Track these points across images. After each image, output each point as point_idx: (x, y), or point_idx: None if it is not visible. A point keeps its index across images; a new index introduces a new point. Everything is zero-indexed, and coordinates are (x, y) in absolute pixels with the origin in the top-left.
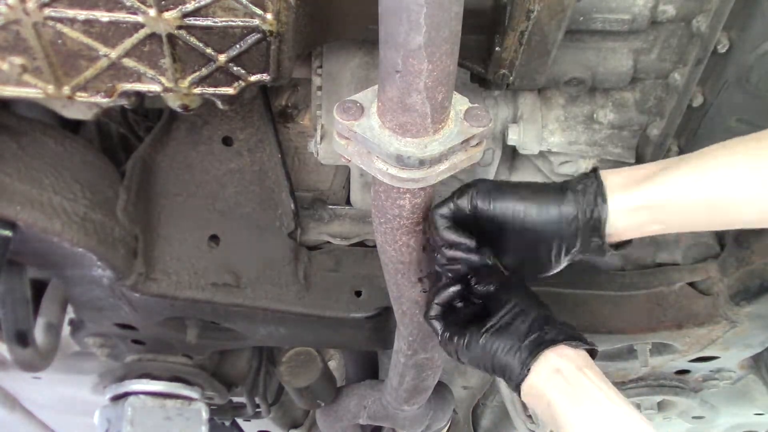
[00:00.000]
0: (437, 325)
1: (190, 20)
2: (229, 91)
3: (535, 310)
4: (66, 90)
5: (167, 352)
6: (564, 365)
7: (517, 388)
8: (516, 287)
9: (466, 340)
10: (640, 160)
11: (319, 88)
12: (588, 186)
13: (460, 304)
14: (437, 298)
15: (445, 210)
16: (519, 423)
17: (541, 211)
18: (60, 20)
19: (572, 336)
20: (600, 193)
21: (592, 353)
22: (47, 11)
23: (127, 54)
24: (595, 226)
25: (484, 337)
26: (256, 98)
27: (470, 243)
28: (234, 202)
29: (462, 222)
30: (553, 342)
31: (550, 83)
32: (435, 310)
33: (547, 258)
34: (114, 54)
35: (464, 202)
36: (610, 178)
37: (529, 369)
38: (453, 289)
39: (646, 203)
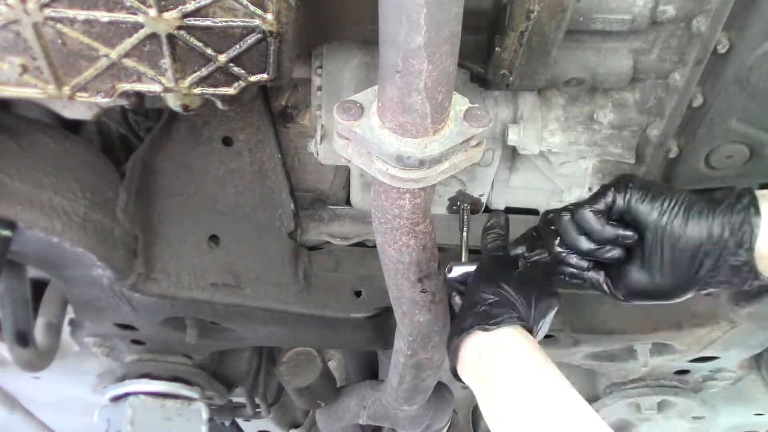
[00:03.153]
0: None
1: (190, 20)
2: (229, 91)
3: (466, 296)
4: (66, 90)
5: (167, 352)
6: (480, 351)
7: (458, 380)
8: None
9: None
10: (640, 160)
11: (319, 88)
12: (743, 197)
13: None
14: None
15: (601, 205)
16: None
17: (691, 221)
18: (60, 20)
19: (490, 315)
20: (753, 204)
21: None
22: (47, 11)
23: (127, 54)
24: (742, 239)
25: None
26: (256, 98)
27: (633, 234)
28: (234, 202)
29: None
30: (465, 330)
31: (550, 83)
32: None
33: (688, 271)
34: (114, 54)
35: (620, 198)
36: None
37: (455, 365)
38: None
39: None
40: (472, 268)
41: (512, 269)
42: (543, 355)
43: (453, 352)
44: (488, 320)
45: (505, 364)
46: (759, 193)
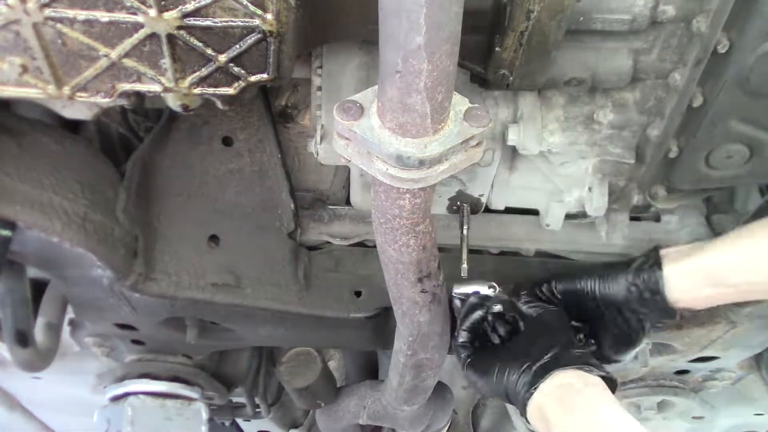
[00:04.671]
0: (463, 352)
1: (190, 20)
2: (229, 91)
3: (552, 335)
4: (66, 90)
5: (167, 352)
6: (569, 382)
7: (523, 409)
8: (540, 316)
9: (483, 366)
10: (640, 160)
11: (319, 88)
12: (648, 258)
13: (487, 331)
14: (464, 324)
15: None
16: (519, 423)
17: (610, 283)
18: (60, 20)
19: (587, 363)
20: (656, 263)
21: (611, 384)
22: (47, 11)
23: (127, 54)
24: (654, 289)
25: (496, 360)
26: (256, 98)
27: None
28: (234, 202)
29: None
30: (563, 365)
31: (550, 83)
32: (463, 337)
33: (625, 325)
34: (114, 54)
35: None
36: (668, 250)
37: (535, 389)
38: (478, 312)
39: (697, 267)
40: (473, 289)
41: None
42: (625, 410)
43: (537, 380)
44: (588, 365)
45: (600, 407)
46: (662, 252)
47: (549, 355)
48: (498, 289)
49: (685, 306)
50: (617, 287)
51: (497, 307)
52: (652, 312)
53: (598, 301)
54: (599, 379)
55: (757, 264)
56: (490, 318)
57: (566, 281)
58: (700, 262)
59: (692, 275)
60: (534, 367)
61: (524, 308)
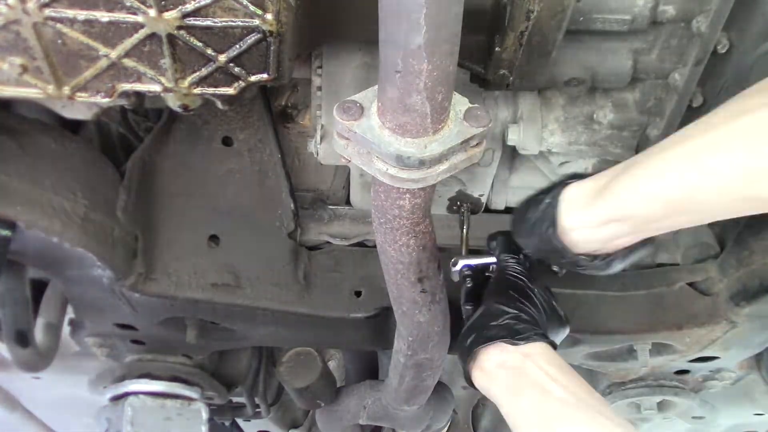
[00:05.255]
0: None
1: (190, 20)
2: (229, 91)
3: (485, 305)
4: (66, 90)
5: (167, 352)
6: (500, 362)
7: (470, 384)
8: (492, 282)
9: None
10: None
11: (319, 88)
12: (547, 209)
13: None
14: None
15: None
16: None
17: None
18: (60, 20)
19: (514, 331)
20: (552, 221)
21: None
22: (47, 11)
23: (127, 54)
24: (556, 250)
25: (461, 334)
26: (256, 98)
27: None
28: (234, 202)
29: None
30: (487, 340)
31: (550, 83)
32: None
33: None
34: (114, 54)
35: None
36: (570, 192)
37: (469, 368)
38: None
39: (606, 218)
40: (475, 261)
41: (527, 290)
42: (570, 369)
43: (471, 359)
44: (514, 335)
45: (535, 376)
46: (567, 189)
47: (473, 335)
48: None
49: (585, 249)
50: (526, 222)
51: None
52: (549, 246)
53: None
54: (525, 349)
55: (649, 190)
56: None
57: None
58: (597, 180)
59: (585, 210)
60: (465, 345)
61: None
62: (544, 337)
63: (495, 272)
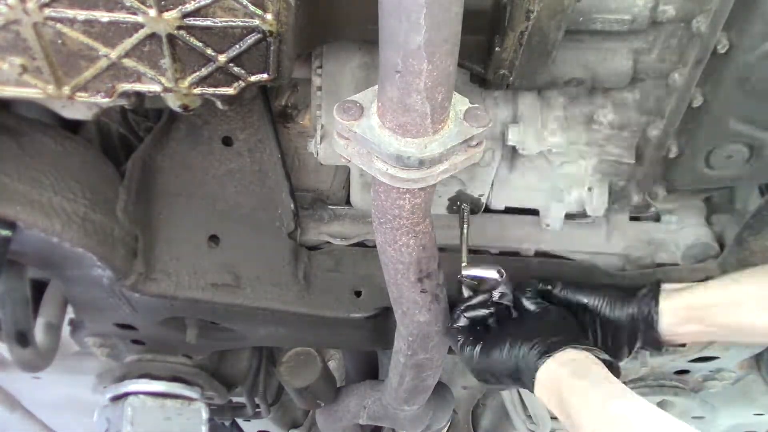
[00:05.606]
0: (461, 334)
1: (190, 20)
2: (229, 91)
3: (559, 326)
4: (66, 90)
5: (167, 352)
6: (580, 357)
7: (531, 379)
8: (546, 310)
9: (489, 344)
10: (639, 160)
11: (319, 88)
12: (649, 291)
13: (485, 316)
14: (466, 308)
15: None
16: (519, 423)
17: (615, 308)
18: (60, 20)
19: (596, 347)
20: (655, 297)
21: (615, 372)
22: (47, 11)
23: (127, 54)
24: (649, 322)
25: (506, 337)
26: (256, 98)
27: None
28: (234, 202)
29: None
30: (572, 342)
31: (550, 83)
32: (462, 321)
33: (613, 346)
34: (114, 54)
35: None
36: (666, 286)
37: (549, 356)
38: (482, 297)
39: (688, 304)
40: (486, 273)
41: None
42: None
43: (537, 365)
44: (579, 340)
45: (611, 383)
46: (663, 286)
47: (560, 335)
48: (504, 274)
49: (671, 339)
50: (620, 314)
51: (501, 294)
52: (640, 340)
53: (597, 318)
54: (605, 364)
55: (741, 308)
56: (490, 304)
57: (573, 290)
58: (691, 299)
59: (682, 312)
60: (548, 341)
61: (527, 303)
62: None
63: (534, 304)
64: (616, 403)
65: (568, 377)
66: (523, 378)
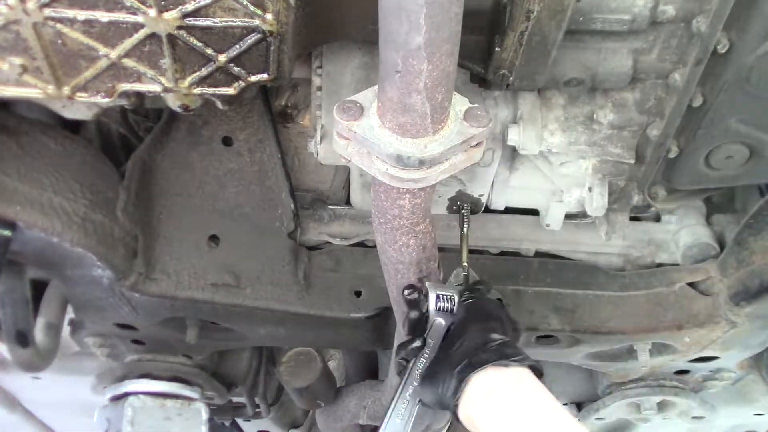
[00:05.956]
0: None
1: (190, 20)
2: (229, 91)
3: (469, 333)
4: (66, 90)
5: (167, 352)
6: (494, 387)
7: (456, 418)
8: (467, 312)
9: (425, 378)
10: (640, 160)
11: (319, 88)
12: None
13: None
14: (399, 355)
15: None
16: None
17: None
18: (60, 20)
19: (504, 355)
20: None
21: (535, 371)
22: (47, 11)
23: (127, 54)
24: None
25: (434, 370)
26: (256, 98)
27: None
28: (234, 202)
29: None
30: (480, 365)
31: (550, 83)
32: (397, 368)
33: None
34: (114, 54)
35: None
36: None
37: (458, 399)
38: (413, 346)
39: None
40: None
41: (502, 314)
42: (550, 395)
43: (462, 387)
44: (503, 358)
45: (523, 400)
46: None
47: (464, 361)
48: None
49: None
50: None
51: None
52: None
53: None
54: (517, 371)
55: None
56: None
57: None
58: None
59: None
60: (454, 374)
61: (462, 305)
62: (534, 361)
63: (465, 301)
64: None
65: (483, 420)
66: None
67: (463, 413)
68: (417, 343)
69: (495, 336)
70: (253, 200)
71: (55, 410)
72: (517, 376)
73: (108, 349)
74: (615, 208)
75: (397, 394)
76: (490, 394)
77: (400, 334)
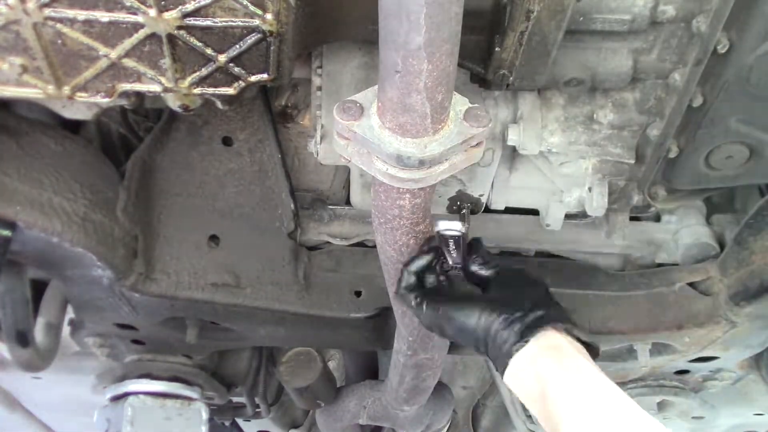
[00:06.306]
0: (410, 297)
1: (190, 20)
2: (229, 91)
3: (534, 289)
4: (66, 90)
5: (167, 352)
6: (562, 343)
7: (504, 363)
8: (514, 278)
9: (453, 306)
10: (640, 160)
11: (319, 88)
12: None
13: (432, 279)
14: (411, 266)
15: None
16: (519, 423)
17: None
18: (60, 20)
19: (575, 325)
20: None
21: (593, 351)
22: (47, 11)
23: (127, 54)
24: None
25: (481, 306)
26: (256, 98)
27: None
28: (234, 202)
29: None
30: (556, 320)
31: (550, 83)
32: (407, 281)
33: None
34: (114, 54)
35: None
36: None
37: (526, 341)
38: (426, 258)
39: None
40: (457, 226)
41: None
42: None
43: (513, 351)
44: (563, 320)
45: (594, 368)
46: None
47: (540, 310)
48: (467, 231)
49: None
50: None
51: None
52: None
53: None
54: (579, 348)
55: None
56: (439, 266)
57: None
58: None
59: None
60: (526, 319)
61: (477, 268)
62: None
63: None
64: (606, 405)
65: (552, 370)
66: (490, 355)
67: (523, 359)
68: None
69: (544, 297)
70: (253, 200)
71: (55, 410)
72: (583, 350)
73: (108, 349)
74: (615, 208)
75: None
76: (562, 354)
77: (400, 334)
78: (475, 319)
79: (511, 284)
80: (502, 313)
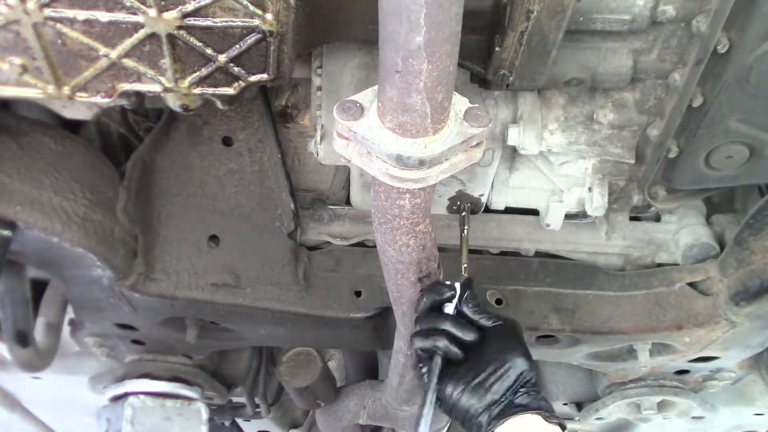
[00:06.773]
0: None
1: (190, 20)
2: (229, 91)
3: (517, 370)
4: (66, 90)
5: (167, 352)
6: (531, 424)
7: None
8: (503, 339)
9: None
10: (640, 160)
11: (319, 88)
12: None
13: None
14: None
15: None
16: None
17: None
18: (60, 20)
19: (546, 409)
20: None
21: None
22: (47, 11)
23: (127, 54)
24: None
25: (458, 393)
26: (256, 98)
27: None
28: (234, 202)
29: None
30: (524, 408)
31: (550, 83)
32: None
33: None
34: (114, 54)
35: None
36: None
37: (498, 425)
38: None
39: None
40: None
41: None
42: None
43: (496, 418)
44: (541, 409)
45: None
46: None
47: (504, 401)
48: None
49: None
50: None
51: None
52: None
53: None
54: (557, 429)
55: None
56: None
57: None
58: None
59: None
60: (501, 405)
61: (475, 317)
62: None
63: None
64: None
65: None
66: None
67: None
68: (450, 292)
69: (530, 375)
70: (253, 200)
71: (55, 410)
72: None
73: (108, 349)
74: (615, 208)
75: (428, 398)
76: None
77: (400, 334)
78: (452, 401)
79: (493, 348)
80: (475, 401)
